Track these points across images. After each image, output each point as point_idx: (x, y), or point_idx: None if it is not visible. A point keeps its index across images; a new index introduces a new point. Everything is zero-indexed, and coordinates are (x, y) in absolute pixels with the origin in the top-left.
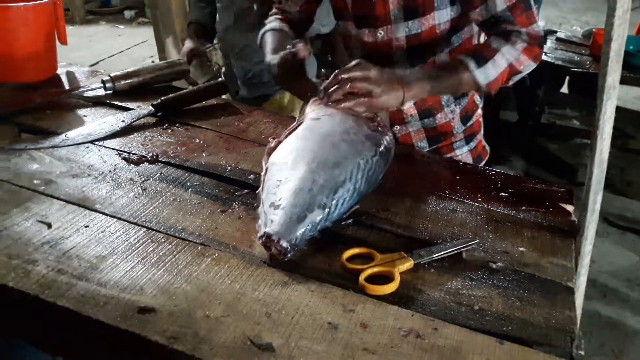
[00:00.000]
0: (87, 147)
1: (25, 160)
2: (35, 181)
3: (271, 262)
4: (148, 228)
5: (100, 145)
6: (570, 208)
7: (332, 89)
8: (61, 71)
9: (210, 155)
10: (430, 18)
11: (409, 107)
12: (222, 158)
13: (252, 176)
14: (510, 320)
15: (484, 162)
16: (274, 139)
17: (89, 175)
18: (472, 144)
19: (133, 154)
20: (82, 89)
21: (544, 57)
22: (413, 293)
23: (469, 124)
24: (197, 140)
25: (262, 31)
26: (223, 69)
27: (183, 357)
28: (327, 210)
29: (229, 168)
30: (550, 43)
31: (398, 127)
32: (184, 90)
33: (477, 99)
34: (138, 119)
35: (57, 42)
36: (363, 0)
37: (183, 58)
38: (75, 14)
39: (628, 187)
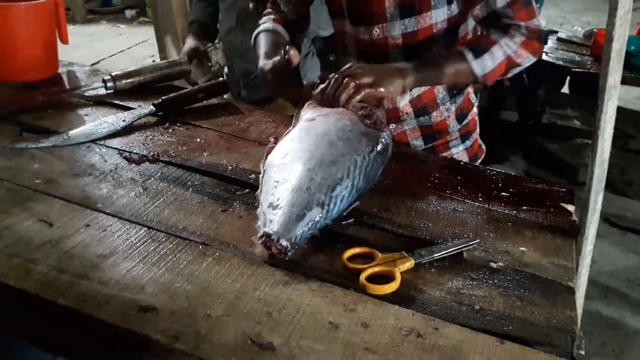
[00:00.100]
0: (88, 147)
1: (26, 159)
2: (36, 180)
3: (269, 259)
4: (149, 227)
5: (101, 145)
6: (571, 208)
7: (334, 88)
8: (62, 70)
9: (211, 154)
10: (427, 16)
11: (405, 105)
12: (223, 157)
13: (253, 176)
14: (511, 320)
15: (480, 161)
16: (274, 138)
17: (90, 174)
18: (468, 143)
19: (134, 153)
20: (83, 88)
21: (544, 57)
22: (414, 293)
23: (464, 122)
24: (198, 139)
25: (255, 32)
26: (225, 70)
27: (184, 356)
28: (326, 208)
29: (229, 167)
30: (551, 43)
31: (393, 125)
32: (185, 90)
33: (473, 97)
34: (139, 118)
35: (58, 41)
36: None
37: (184, 57)
38: (76, 13)
39: (628, 187)
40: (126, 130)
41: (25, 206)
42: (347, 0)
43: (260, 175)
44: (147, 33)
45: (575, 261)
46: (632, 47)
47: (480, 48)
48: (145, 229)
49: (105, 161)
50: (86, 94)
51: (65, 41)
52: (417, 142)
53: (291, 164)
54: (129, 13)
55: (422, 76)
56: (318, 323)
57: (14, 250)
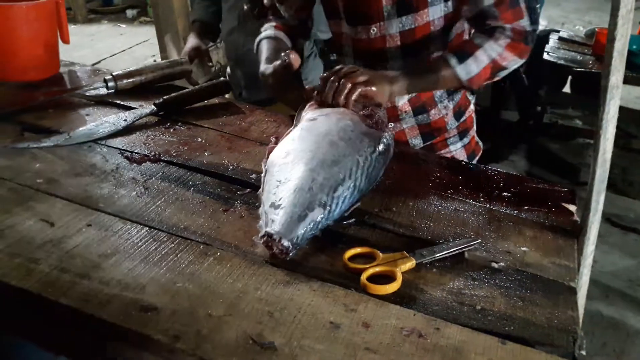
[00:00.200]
0: (90, 146)
1: (27, 159)
2: (37, 180)
3: (271, 259)
4: (150, 227)
5: (102, 145)
6: (572, 208)
7: (331, 90)
8: (63, 70)
9: (212, 154)
10: (424, 14)
11: (403, 104)
12: (224, 157)
13: (254, 175)
14: (513, 320)
15: (477, 158)
16: (275, 138)
17: (91, 174)
18: (466, 140)
19: (135, 153)
20: (84, 88)
21: (546, 57)
22: (415, 293)
23: (462, 119)
24: (199, 139)
25: (257, 39)
26: (228, 70)
27: (185, 356)
28: (327, 208)
29: (231, 167)
30: (552, 42)
31: (392, 124)
32: (186, 90)
33: (469, 94)
34: (140, 118)
35: (60, 41)
36: None
37: (185, 57)
38: (78, 12)
39: (630, 187)
40: (127, 130)
41: (27, 206)
42: (344, 1)
43: (262, 175)
44: (148, 33)
45: (577, 261)
46: (634, 47)
47: (464, 53)
48: (147, 228)
49: (107, 161)
50: (87, 94)
51: (66, 41)
52: (416, 141)
53: (293, 163)
54: (130, 13)
55: (409, 85)
56: (319, 323)
57: (16, 250)
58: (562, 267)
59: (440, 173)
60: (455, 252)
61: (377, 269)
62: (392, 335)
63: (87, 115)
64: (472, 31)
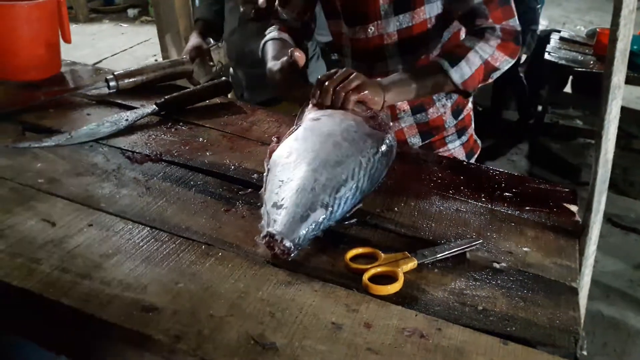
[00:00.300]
0: (91, 146)
1: (28, 158)
2: (39, 180)
3: (275, 260)
4: (152, 227)
5: (104, 144)
6: (574, 208)
7: (327, 100)
8: (65, 69)
9: (214, 154)
10: (421, 11)
11: (402, 103)
12: (225, 157)
13: (255, 175)
14: (514, 321)
15: (476, 156)
16: (277, 137)
17: (92, 174)
18: (464, 138)
19: (137, 152)
20: (85, 88)
21: (547, 57)
22: (417, 293)
23: (460, 117)
24: (201, 139)
25: (262, 41)
26: (231, 70)
27: (186, 356)
28: (329, 209)
29: (232, 167)
30: (553, 42)
31: (391, 123)
32: (188, 89)
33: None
34: (142, 117)
35: (61, 41)
36: None
37: (186, 56)
38: (79, 12)
39: (631, 187)
40: (129, 130)
41: (28, 205)
42: (342, 1)
43: (264, 174)
44: (149, 32)
45: (578, 262)
46: (635, 47)
47: (456, 56)
48: (148, 228)
49: (108, 160)
50: (89, 94)
51: (68, 40)
52: (415, 140)
53: (295, 163)
54: (131, 12)
55: (402, 92)
56: (321, 323)
57: (17, 250)
58: (563, 268)
59: (441, 173)
60: (456, 253)
61: (379, 269)
62: (394, 335)
63: (88, 114)
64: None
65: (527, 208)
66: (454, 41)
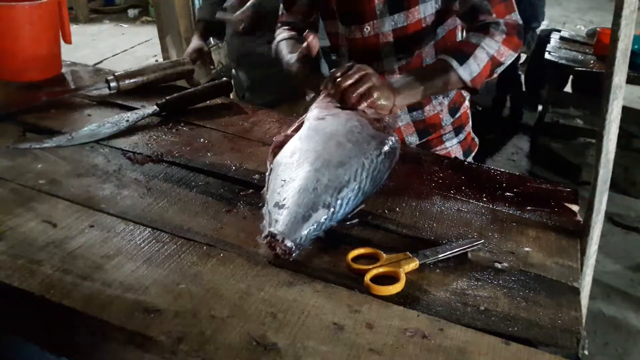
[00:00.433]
0: (92, 147)
1: (29, 159)
2: (39, 181)
3: (276, 261)
4: (153, 228)
5: (104, 145)
6: (575, 208)
7: (336, 94)
8: (65, 70)
9: (215, 155)
10: (416, 11)
11: None
12: (226, 158)
13: (256, 176)
14: (516, 321)
15: (473, 154)
16: (285, 135)
17: (93, 174)
18: (462, 136)
19: (138, 153)
20: (86, 89)
21: (547, 56)
22: (418, 293)
23: (457, 115)
24: (202, 139)
25: (274, 43)
26: (233, 71)
27: (188, 357)
28: (331, 209)
29: (233, 168)
30: (554, 42)
31: (395, 125)
32: (189, 90)
33: (464, 91)
34: (142, 118)
35: (62, 41)
36: None
37: (187, 58)
38: (79, 12)
39: (632, 186)
40: (130, 131)
41: (29, 207)
42: (337, 1)
43: (267, 173)
44: (149, 32)
45: (580, 261)
46: (636, 47)
47: (463, 54)
48: (150, 229)
49: (109, 161)
50: (89, 94)
51: (68, 41)
52: (412, 139)
53: (298, 163)
54: (131, 12)
55: (412, 95)
56: (323, 324)
57: (18, 251)
58: (565, 268)
59: (443, 173)
60: (458, 253)
61: (381, 269)
62: (396, 336)
63: (89, 115)
64: (465, 28)
65: (529, 208)
66: (448, 39)
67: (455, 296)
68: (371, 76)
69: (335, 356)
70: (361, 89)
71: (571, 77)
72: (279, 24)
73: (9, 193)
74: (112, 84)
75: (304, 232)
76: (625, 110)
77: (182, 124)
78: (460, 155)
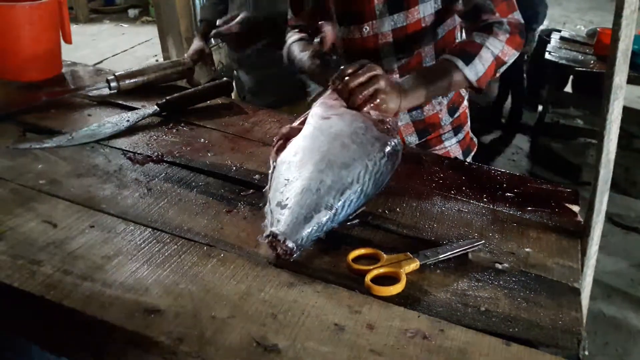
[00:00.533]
0: (92, 147)
1: (29, 159)
2: (40, 181)
3: (277, 261)
4: (153, 228)
5: (105, 145)
6: (576, 208)
7: (342, 92)
8: (66, 70)
9: (216, 155)
10: (415, 11)
11: None
12: (227, 158)
13: (257, 176)
14: (517, 322)
15: (472, 154)
16: (289, 127)
17: (94, 175)
18: (460, 136)
19: (138, 153)
20: (86, 89)
21: (547, 56)
22: (419, 294)
23: (456, 115)
24: (202, 140)
25: (286, 46)
26: (235, 72)
27: (188, 358)
28: (333, 211)
29: (234, 168)
30: (554, 42)
31: (399, 124)
32: (189, 90)
33: (463, 90)
34: (143, 118)
35: (62, 41)
36: None
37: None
38: (79, 12)
39: (632, 186)
40: (130, 131)
41: (29, 207)
42: (336, 2)
43: (270, 172)
44: (150, 32)
45: (580, 262)
46: (636, 47)
47: (468, 54)
48: (150, 229)
49: (109, 162)
50: (90, 94)
51: (69, 41)
52: (412, 138)
53: (302, 163)
54: (132, 12)
55: (419, 97)
56: (323, 325)
57: (19, 252)
58: (565, 268)
59: (443, 173)
60: (459, 253)
61: (381, 270)
62: (397, 337)
63: (89, 115)
64: (464, 27)
65: (529, 208)
66: (448, 39)
67: (455, 297)
68: (380, 78)
69: (336, 357)
70: (368, 91)
71: (571, 77)
72: (289, 28)
73: (9, 193)
74: (113, 84)
75: (306, 233)
76: (626, 110)
77: (182, 124)
78: (459, 155)
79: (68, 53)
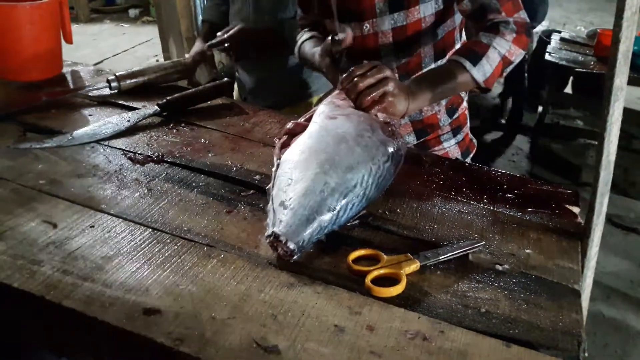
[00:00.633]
0: (93, 147)
1: (30, 159)
2: (40, 181)
3: (278, 262)
4: (154, 229)
5: (105, 145)
6: (576, 210)
7: (350, 93)
8: (66, 70)
9: (216, 155)
10: (415, 11)
11: None
12: (227, 158)
13: (257, 177)
14: (517, 323)
15: (472, 155)
16: (294, 123)
17: (94, 175)
18: (459, 137)
19: (138, 154)
20: (87, 88)
21: (548, 57)
22: (419, 295)
23: (455, 116)
24: (203, 140)
25: (297, 45)
26: (236, 73)
27: (188, 359)
28: (336, 214)
29: (234, 168)
30: (554, 43)
31: (401, 122)
32: (190, 90)
33: (464, 93)
34: (143, 118)
35: (62, 41)
36: None
37: (189, 59)
38: (80, 12)
39: (631, 187)
40: (130, 131)
41: (29, 207)
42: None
43: (273, 169)
44: (150, 32)
45: (581, 263)
46: (636, 48)
47: (476, 54)
48: (150, 230)
49: (110, 162)
50: (90, 94)
51: (69, 41)
52: (410, 138)
53: (307, 162)
54: (132, 12)
55: (427, 100)
56: (323, 326)
57: (19, 252)
58: (566, 270)
59: (443, 174)
60: (459, 255)
61: (381, 271)
62: (397, 338)
63: (90, 115)
64: (470, 27)
65: (530, 210)
66: (447, 40)
67: (456, 298)
68: (389, 81)
69: (336, 358)
70: (376, 93)
71: (571, 78)
72: (300, 27)
73: (10, 193)
74: (113, 84)
75: (307, 234)
76: (625, 111)
77: (183, 125)
78: (458, 157)
79: (69, 53)
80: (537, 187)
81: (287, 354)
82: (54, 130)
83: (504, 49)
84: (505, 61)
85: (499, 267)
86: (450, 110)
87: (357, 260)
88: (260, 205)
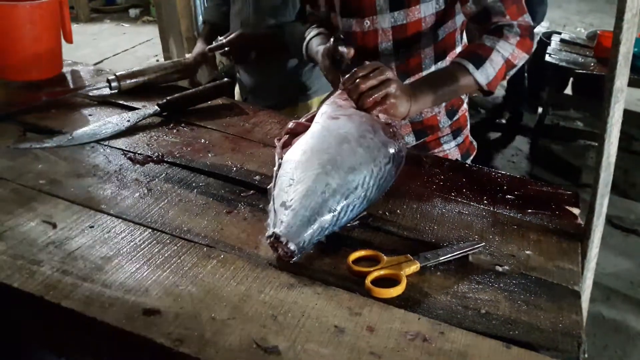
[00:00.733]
0: (92, 147)
1: (30, 159)
2: (40, 181)
3: (278, 263)
4: (153, 229)
5: (105, 145)
6: (576, 211)
7: (352, 94)
8: (66, 70)
9: (216, 155)
10: (416, 10)
11: None
12: (227, 159)
13: (257, 177)
14: (517, 324)
15: (472, 158)
16: (294, 122)
17: (94, 175)
18: (459, 139)
19: (138, 154)
20: (87, 88)
21: (548, 59)
22: (419, 296)
23: (455, 118)
24: (203, 140)
25: (305, 41)
26: (237, 74)
27: None
28: (337, 215)
29: (234, 169)
30: (554, 44)
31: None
32: (190, 90)
33: (465, 96)
34: (143, 118)
35: (63, 40)
36: None
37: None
38: (80, 12)
39: (631, 188)
40: (130, 131)
41: (29, 207)
42: None
43: (275, 168)
44: (150, 32)
45: (581, 265)
46: (636, 49)
47: (479, 57)
48: (150, 230)
49: (110, 162)
50: (90, 94)
51: (69, 41)
52: (409, 139)
53: (309, 163)
54: (132, 12)
55: (429, 102)
56: (323, 327)
57: (18, 252)
58: (566, 271)
59: (444, 175)
60: (459, 256)
61: (382, 272)
62: (397, 339)
63: (89, 115)
64: (465, 30)
65: (530, 211)
66: (448, 41)
67: (456, 299)
68: (391, 82)
69: (336, 359)
70: (378, 94)
71: (571, 79)
72: (307, 24)
73: (9, 193)
74: (113, 84)
75: (308, 235)
76: (625, 112)
77: (183, 125)
78: (458, 159)
79: (69, 52)
80: (537, 188)
81: (287, 355)
82: (54, 130)
83: (508, 52)
84: (509, 64)
85: (499, 268)
86: (451, 112)
87: (357, 261)
88: (260, 205)
